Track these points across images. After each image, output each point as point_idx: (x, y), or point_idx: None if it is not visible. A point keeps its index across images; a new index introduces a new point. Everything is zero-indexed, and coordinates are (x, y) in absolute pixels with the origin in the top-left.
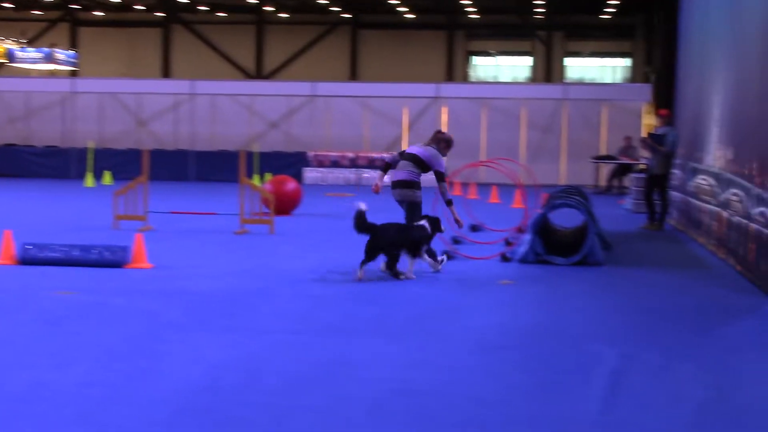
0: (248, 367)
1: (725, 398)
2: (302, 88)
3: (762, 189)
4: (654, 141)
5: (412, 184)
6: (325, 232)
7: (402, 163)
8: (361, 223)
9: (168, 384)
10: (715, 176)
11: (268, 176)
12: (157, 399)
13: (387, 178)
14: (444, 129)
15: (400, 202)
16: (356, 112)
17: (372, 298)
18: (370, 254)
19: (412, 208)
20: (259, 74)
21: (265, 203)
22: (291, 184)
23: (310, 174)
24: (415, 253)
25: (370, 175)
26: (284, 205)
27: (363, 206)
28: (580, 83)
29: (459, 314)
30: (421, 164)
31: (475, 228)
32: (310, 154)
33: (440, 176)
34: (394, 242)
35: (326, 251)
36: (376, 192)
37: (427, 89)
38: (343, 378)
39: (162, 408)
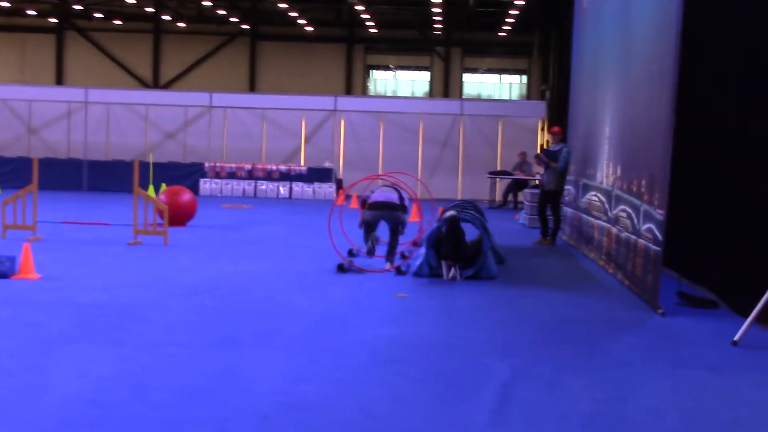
0: (137, 381)
1: (612, 410)
2: (199, 98)
3: (650, 205)
4: (547, 157)
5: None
6: (220, 243)
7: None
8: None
9: (52, 398)
10: (606, 192)
11: (164, 187)
12: (41, 414)
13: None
14: (341, 142)
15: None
16: (254, 124)
17: (265, 311)
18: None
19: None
20: (155, 84)
21: (159, 214)
22: (186, 195)
23: (207, 185)
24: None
25: (266, 186)
26: (179, 216)
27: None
28: (477, 99)
29: (352, 327)
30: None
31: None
32: (207, 165)
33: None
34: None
35: (221, 263)
36: None
37: (325, 102)
38: (233, 391)
39: (46, 423)
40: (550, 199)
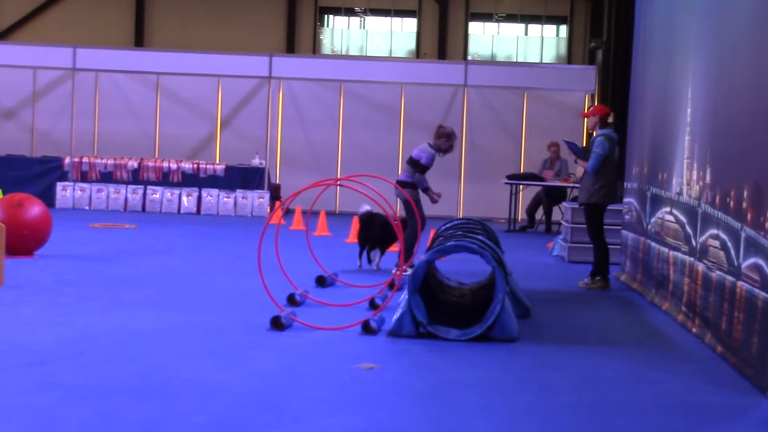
0: None
1: None
2: (57, 55)
3: (756, 230)
4: (573, 152)
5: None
6: (87, 284)
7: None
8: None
9: None
10: (687, 209)
11: None
12: None
13: None
14: (279, 127)
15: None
16: (143, 97)
17: (154, 390)
18: None
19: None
20: None
21: None
22: (34, 209)
23: (68, 192)
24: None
25: (162, 195)
26: (23, 241)
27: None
28: (490, 62)
29: (291, 415)
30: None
31: (323, 282)
32: (68, 160)
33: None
34: None
35: (86, 315)
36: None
37: (254, 64)
38: None
39: None
40: (586, 218)
